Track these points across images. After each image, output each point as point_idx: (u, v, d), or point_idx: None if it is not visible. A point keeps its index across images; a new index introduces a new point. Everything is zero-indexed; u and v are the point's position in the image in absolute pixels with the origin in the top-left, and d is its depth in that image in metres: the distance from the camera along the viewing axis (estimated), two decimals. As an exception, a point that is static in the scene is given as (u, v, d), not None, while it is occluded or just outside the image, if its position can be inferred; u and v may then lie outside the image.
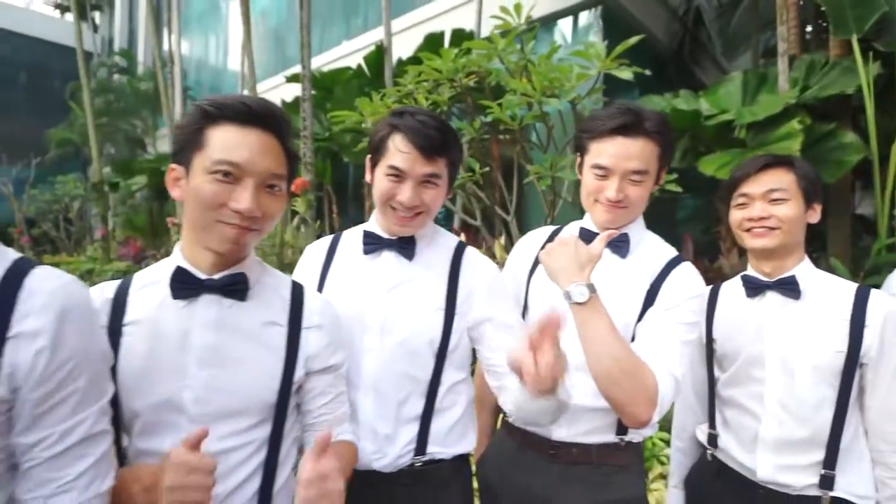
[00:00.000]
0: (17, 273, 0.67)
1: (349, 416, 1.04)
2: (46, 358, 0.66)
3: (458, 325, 1.14)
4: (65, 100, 16.98)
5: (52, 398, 0.68)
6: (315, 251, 1.27)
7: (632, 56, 3.12)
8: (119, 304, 0.89)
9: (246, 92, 10.55)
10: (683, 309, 1.12)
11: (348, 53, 8.88)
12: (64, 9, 22.34)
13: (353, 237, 1.25)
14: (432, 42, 5.74)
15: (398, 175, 1.09)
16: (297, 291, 0.99)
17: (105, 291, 0.91)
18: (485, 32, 5.30)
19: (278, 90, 9.79)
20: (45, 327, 0.66)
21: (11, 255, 0.71)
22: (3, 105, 22.25)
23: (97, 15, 22.20)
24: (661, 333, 1.10)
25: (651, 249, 1.25)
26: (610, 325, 1.02)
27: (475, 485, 1.29)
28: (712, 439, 1.35)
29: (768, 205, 1.25)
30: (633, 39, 3.17)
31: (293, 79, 6.97)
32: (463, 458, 1.18)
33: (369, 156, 1.17)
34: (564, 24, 6.18)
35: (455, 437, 1.16)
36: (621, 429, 1.19)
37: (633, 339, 1.15)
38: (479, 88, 4.24)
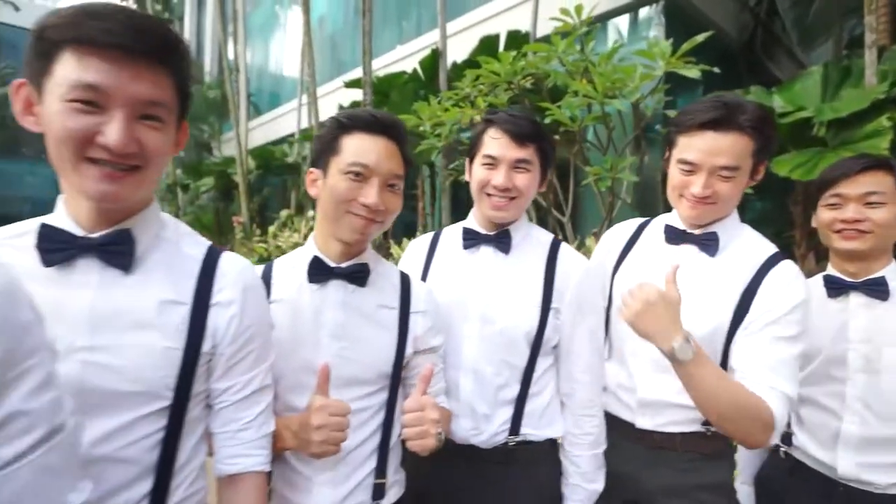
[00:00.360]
0: (213, 256, 0.83)
1: (448, 392, 1.16)
2: (237, 323, 0.82)
3: (552, 318, 1.20)
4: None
5: (239, 354, 0.84)
6: (418, 246, 1.38)
7: (698, 51, 3.00)
8: (265, 285, 1.00)
9: (305, 97, 10.95)
10: (789, 321, 1.10)
11: (401, 58, 9.02)
12: (139, 23, 23.99)
13: (452, 233, 1.34)
14: (487, 44, 5.73)
15: (492, 162, 1.19)
16: (406, 280, 1.12)
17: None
18: (541, 33, 5.25)
19: (335, 95, 10.08)
20: (235, 298, 0.82)
21: (205, 241, 0.87)
22: (87, 115, 24.23)
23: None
24: (770, 352, 1.08)
25: (746, 247, 1.22)
26: (716, 371, 1.03)
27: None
28: (786, 437, 1.36)
29: (864, 207, 1.23)
30: (701, 37, 3.05)
31: (352, 84, 7.16)
32: (553, 442, 1.24)
33: (468, 158, 1.28)
34: (622, 21, 6.01)
35: (546, 420, 1.22)
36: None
37: (727, 340, 1.15)
38: (535, 90, 4.21)
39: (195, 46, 22.93)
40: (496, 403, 1.19)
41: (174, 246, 0.81)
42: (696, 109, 1.15)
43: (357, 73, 10.65)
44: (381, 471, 1.03)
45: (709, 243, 1.22)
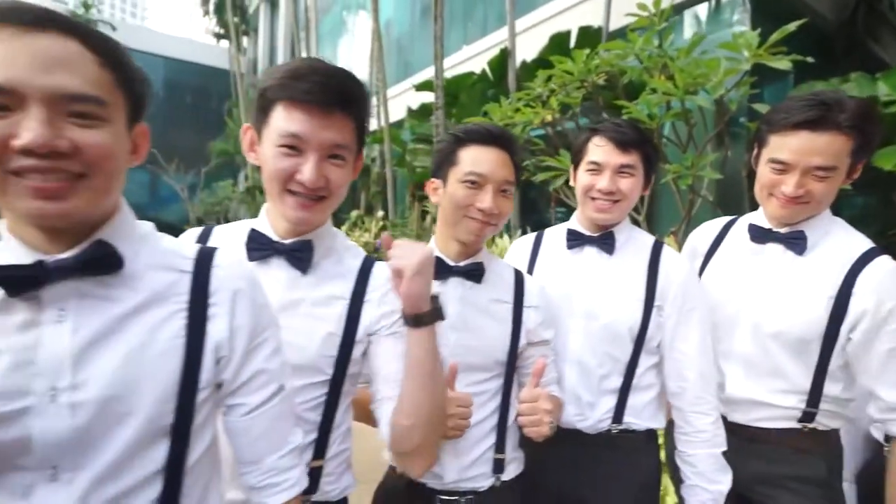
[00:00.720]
0: (367, 264, 0.98)
1: (557, 381, 1.24)
2: (387, 317, 0.95)
3: (655, 316, 1.26)
4: (222, 116, 19.56)
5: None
6: (522, 246, 1.46)
7: (788, 38, 2.83)
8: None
9: (374, 100, 11.31)
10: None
11: (467, 58, 9.09)
12: (220, 37, 25.68)
13: (556, 234, 1.42)
14: (558, 42, 5.68)
15: (596, 168, 1.27)
16: (519, 276, 1.20)
17: None
18: (614, 26, 5.13)
19: (402, 97, 10.32)
20: (383, 298, 0.94)
21: (362, 252, 1.01)
22: (176, 122, 26.39)
23: (245, 40, 25.10)
24: (891, 356, 1.12)
25: (837, 244, 1.20)
26: None
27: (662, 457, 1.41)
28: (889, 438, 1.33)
29: None
30: (793, 25, 2.89)
31: (423, 87, 7.30)
32: (653, 433, 1.31)
33: (572, 165, 1.37)
34: (701, 10, 5.74)
35: (649, 413, 1.29)
36: (807, 417, 1.22)
37: (827, 342, 1.16)
38: (609, 86, 4.14)
39: (268, 56, 24.23)
40: (599, 392, 1.26)
41: (340, 255, 0.98)
42: (790, 108, 1.14)
43: (424, 75, 10.88)
44: (499, 447, 1.14)
45: (796, 242, 1.22)
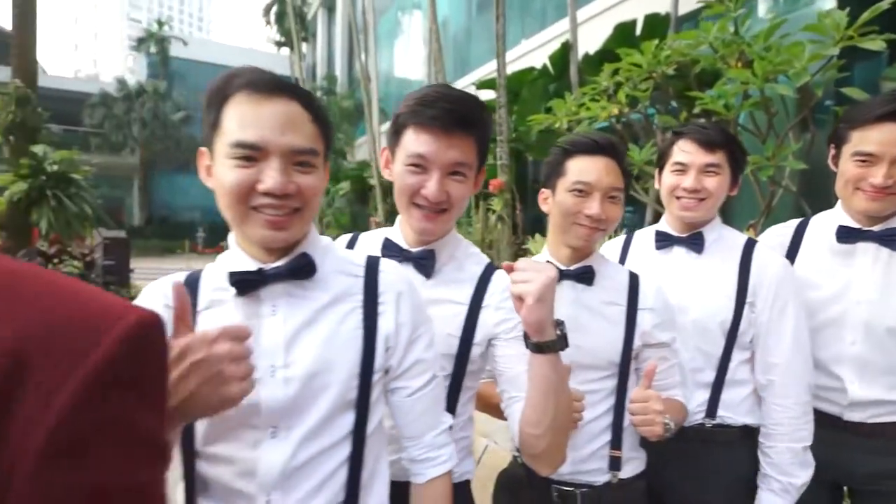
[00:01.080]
0: (488, 271, 1.05)
1: (680, 384, 1.24)
2: (505, 322, 1.01)
3: (748, 312, 1.28)
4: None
5: (506, 344, 1.03)
6: (611, 248, 1.51)
7: (881, 16, 2.66)
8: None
9: (431, 100, 11.43)
10: None
11: (526, 52, 9.04)
12: (280, 44, 26.82)
13: (645, 236, 1.47)
14: (623, 32, 5.54)
15: (682, 168, 1.31)
16: (634, 279, 1.22)
17: None
18: (683, 11, 4.97)
19: (460, 95, 10.39)
20: (501, 305, 1.01)
21: (485, 259, 1.08)
22: (243, 130, 27.84)
23: (304, 46, 26.06)
24: None
25: None
26: None
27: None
28: None
29: None
30: (886, 3, 2.71)
31: (484, 85, 7.32)
32: (749, 428, 1.31)
33: (657, 168, 1.41)
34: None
35: (745, 408, 1.30)
36: None
37: None
38: (680, 75, 4.03)
39: (326, 60, 25.05)
40: (692, 386, 1.30)
41: (461, 262, 1.07)
42: (871, 104, 1.16)
43: (481, 72, 10.93)
44: (615, 445, 1.18)
45: (892, 239, 1.22)
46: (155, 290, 0.80)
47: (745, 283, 1.28)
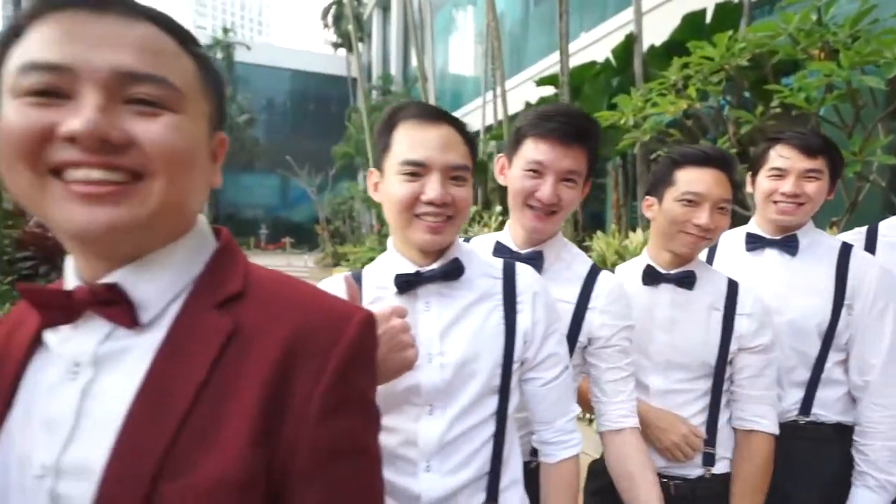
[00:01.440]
0: (594, 273, 1.13)
1: (771, 400, 1.24)
2: (609, 323, 1.10)
3: (845, 314, 1.31)
4: (341, 121, 21.10)
5: (607, 346, 1.11)
6: None
7: None
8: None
9: (490, 95, 11.51)
10: None
11: (586, 46, 8.89)
12: (336, 45, 27.59)
13: (733, 237, 1.49)
14: (692, 22, 5.35)
15: (780, 173, 1.34)
16: (733, 286, 1.26)
17: None
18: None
19: (517, 91, 10.38)
20: (606, 308, 1.10)
21: (589, 261, 1.16)
22: (304, 130, 29.05)
23: (359, 46, 26.67)
24: None
25: None
26: None
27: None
28: None
29: None
30: None
31: (545, 81, 7.28)
32: (844, 426, 1.34)
33: (750, 173, 1.44)
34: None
35: (839, 407, 1.33)
36: None
37: None
38: (755, 66, 3.89)
39: (381, 60, 25.53)
40: (785, 384, 1.33)
41: (568, 263, 1.16)
42: None
43: (538, 67, 10.83)
44: (709, 442, 1.23)
45: None
46: (330, 285, 0.94)
47: (843, 285, 1.31)
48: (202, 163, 0.53)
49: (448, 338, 0.90)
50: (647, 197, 1.30)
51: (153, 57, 0.48)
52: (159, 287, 0.51)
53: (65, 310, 0.50)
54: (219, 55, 30.02)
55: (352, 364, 0.52)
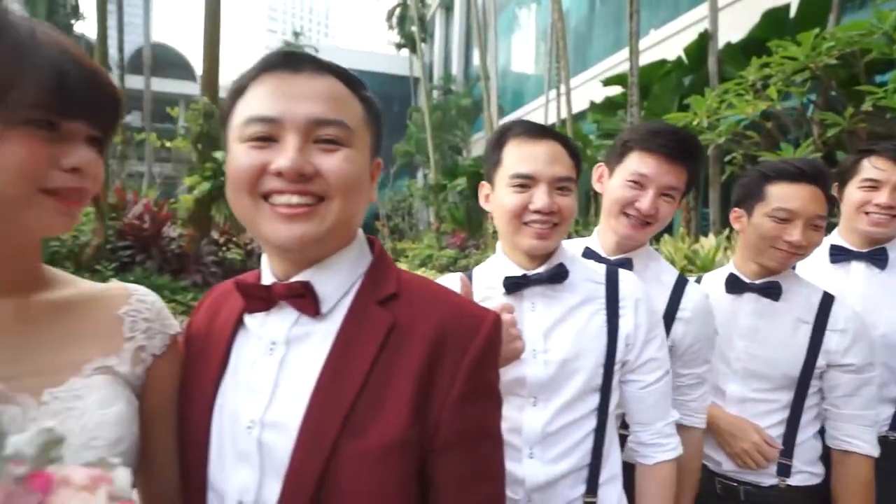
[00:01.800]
0: (681, 283, 1.17)
1: (867, 420, 1.21)
2: (693, 333, 1.13)
3: None
4: (403, 120, 21.52)
5: (691, 355, 1.14)
6: None
7: None
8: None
9: (553, 93, 11.42)
10: None
11: (655, 43, 8.62)
12: (399, 46, 28.14)
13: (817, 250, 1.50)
14: (774, 18, 5.09)
15: (874, 184, 1.34)
16: (827, 300, 1.24)
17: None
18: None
19: (581, 90, 10.22)
20: (691, 318, 1.12)
21: (675, 271, 1.20)
22: (365, 129, 29.64)
23: (422, 46, 27.06)
24: None
25: None
26: None
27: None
28: None
29: None
30: None
31: (611, 81, 7.15)
32: None
33: (837, 183, 1.43)
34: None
35: None
36: None
37: None
38: (843, 64, 3.68)
39: (443, 60, 25.78)
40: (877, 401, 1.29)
41: (657, 272, 1.20)
42: None
43: (603, 66, 10.62)
44: (787, 454, 1.22)
45: None
46: (447, 283, 1.02)
47: None
48: (366, 185, 0.65)
49: (552, 337, 0.97)
50: (736, 209, 1.30)
51: (335, 104, 0.61)
52: (335, 285, 0.64)
53: (265, 300, 0.64)
54: (289, 58, 31.33)
55: (484, 357, 0.62)
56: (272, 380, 0.62)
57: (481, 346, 0.62)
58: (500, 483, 0.65)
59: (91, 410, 0.58)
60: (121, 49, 13.75)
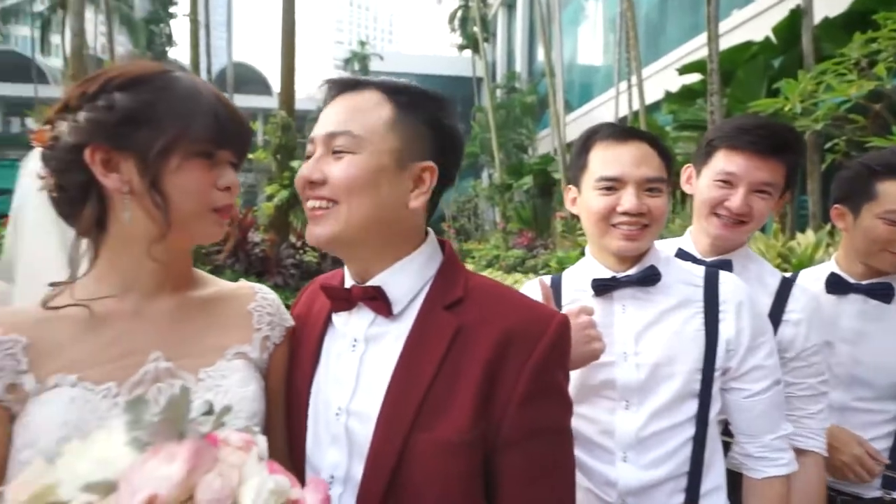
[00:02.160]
0: (786, 284, 1.10)
1: None
2: (803, 336, 1.06)
3: None
4: (467, 121, 21.61)
5: (799, 359, 1.06)
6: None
7: None
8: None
9: (624, 85, 10.99)
10: None
11: (738, 25, 8.08)
12: (462, 47, 28.29)
13: None
14: (879, -11, 4.62)
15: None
16: None
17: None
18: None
19: (653, 80, 9.77)
20: (801, 319, 1.06)
21: (779, 273, 1.13)
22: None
23: (484, 46, 27.05)
24: None
25: None
26: None
27: None
28: None
29: None
30: None
31: (689, 69, 6.78)
32: None
33: None
34: None
35: None
36: None
37: None
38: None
39: (506, 59, 25.60)
40: None
41: (759, 274, 1.13)
42: None
43: (677, 54, 10.10)
44: (892, 468, 1.15)
45: None
46: (529, 289, 1.03)
47: None
48: (385, 188, 0.67)
49: (643, 339, 0.94)
50: (837, 206, 1.22)
51: (348, 115, 0.68)
52: (404, 288, 0.70)
53: (346, 301, 0.72)
54: (356, 67, 32.53)
55: (549, 358, 0.64)
56: (354, 373, 0.70)
57: (547, 347, 0.64)
58: (566, 482, 0.68)
59: (234, 388, 0.67)
60: (209, 70, 14.88)
